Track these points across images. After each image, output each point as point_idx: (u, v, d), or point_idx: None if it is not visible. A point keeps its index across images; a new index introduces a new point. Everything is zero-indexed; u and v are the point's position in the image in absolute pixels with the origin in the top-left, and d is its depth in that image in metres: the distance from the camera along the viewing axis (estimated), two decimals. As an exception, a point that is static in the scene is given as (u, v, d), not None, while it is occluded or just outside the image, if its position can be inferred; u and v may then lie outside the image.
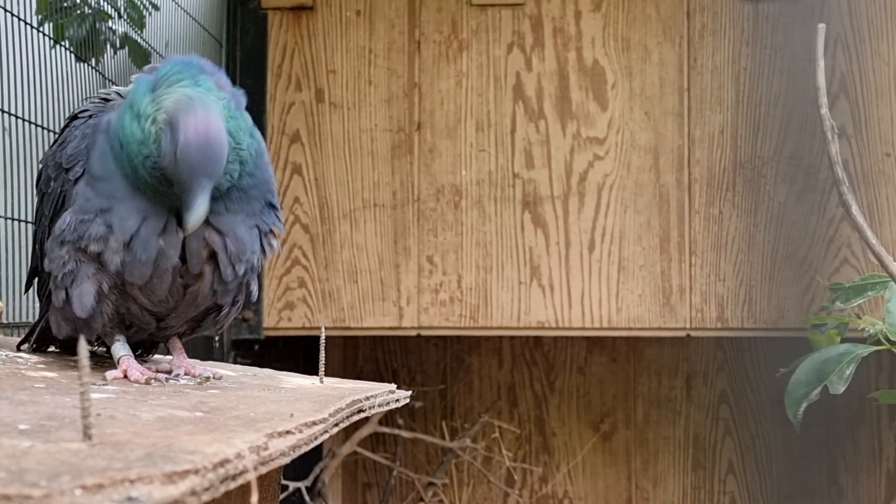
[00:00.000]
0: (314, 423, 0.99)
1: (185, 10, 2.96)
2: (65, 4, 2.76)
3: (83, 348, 0.79)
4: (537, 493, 4.03)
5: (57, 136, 1.57)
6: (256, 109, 3.39)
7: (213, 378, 1.43)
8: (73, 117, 1.53)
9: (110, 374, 1.40)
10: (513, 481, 3.99)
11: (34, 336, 1.63)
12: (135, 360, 1.43)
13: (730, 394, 4.03)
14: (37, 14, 2.60)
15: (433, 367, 4.10)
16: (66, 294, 1.41)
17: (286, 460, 0.87)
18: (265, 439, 0.87)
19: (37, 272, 1.59)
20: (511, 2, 3.34)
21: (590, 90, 3.32)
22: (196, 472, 0.71)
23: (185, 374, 1.45)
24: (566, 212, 3.30)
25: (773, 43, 3.25)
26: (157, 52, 2.82)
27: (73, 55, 2.71)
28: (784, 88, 3.25)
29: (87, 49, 2.76)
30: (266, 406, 1.09)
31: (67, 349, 1.63)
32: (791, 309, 3.22)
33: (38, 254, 1.55)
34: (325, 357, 1.51)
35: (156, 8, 3.02)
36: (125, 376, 1.39)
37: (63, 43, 2.67)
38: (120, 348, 1.45)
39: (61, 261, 1.41)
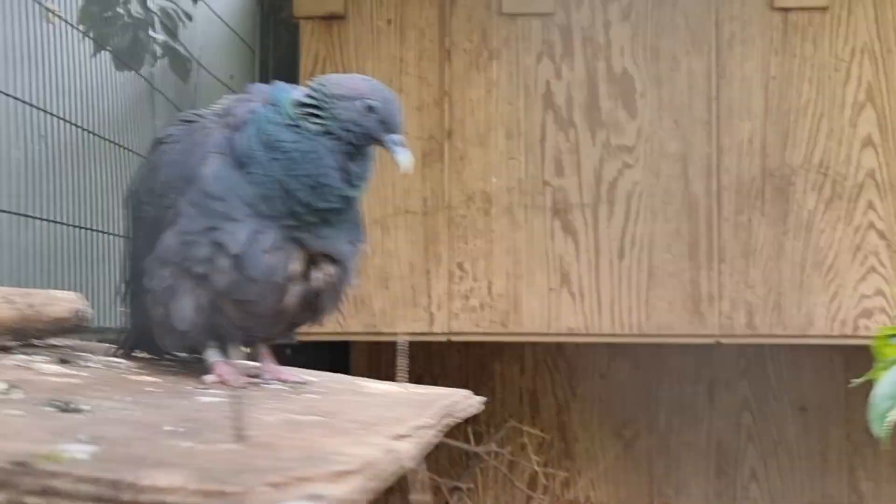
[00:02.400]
0: (425, 427, 1.01)
1: (221, 20, 2.98)
2: (106, 14, 2.78)
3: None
4: (560, 498, 4.05)
5: (144, 160, 1.59)
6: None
7: (301, 383, 1.48)
8: (160, 142, 1.55)
9: (208, 378, 1.44)
10: (536, 486, 4.01)
11: (125, 342, 1.66)
12: (228, 366, 1.46)
13: (752, 400, 4.05)
14: (79, 23, 2.63)
15: (456, 372, 4.12)
16: (166, 309, 1.44)
17: (414, 463, 0.90)
18: (394, 442, 0.89)
19: (128, 285, 1.63)
20: (541, 11, 3.37)
21: (619, 99, 3.35)
22: (356, 472, 0.73)
23: (276, 380, 1.49)
24: (596, 219, 3.33)
25: (802, 52, 3.28)
26: (197, 61, 2.84)
27: (113, 62, 2.73)
28: (813, 97, 3.28)
29: (129, 57, 2.78)
30: (372, 410, 1.12)
31: (156, 353, 1.67)
32: (819, 317, 3.25)
33: (130, 269, 1.59)
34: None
35: (189, 18, 3.05)
36: (221, 381, 1.42)
37: (104, 51, 2.69)
38: (213, 354, 1.49)
39: (163, 280, 1.45)
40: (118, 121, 2.32)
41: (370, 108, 1.46)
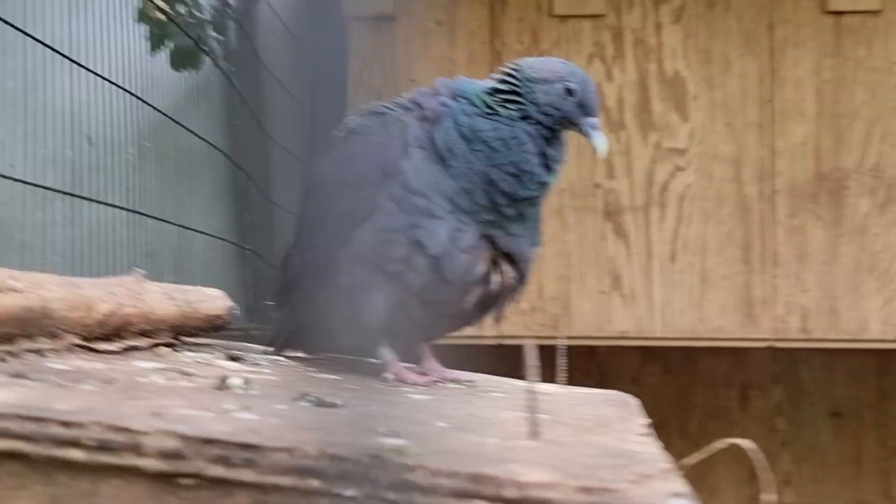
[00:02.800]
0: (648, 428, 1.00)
1: (280, 19, 2.94)
2: (161, 17, 2.72)
3: (531, 352, 0.79)
4: (595, 505, 4.02)
5: (334, 151, 1.53)
6: (338, 118, 3.38)
7: (472, 382, 1.45)
8: (353, 132, 1.51)
9: (385, 375, 1.40)
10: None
11: (280, 339, 1.61)
12: (404, 365, 1.43)
13: (785, 405, 4.04)
14: (137, 22, 2.57)
15: (487, 375, 4.08)
16: (355, 305, 1.41)
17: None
18: (643, 439, 0.87)
19: (293, 279, 1.56)
20: (592, 13, 3.35)
21: (671, 101, 3.33)
22: (672, 469, 0.72)
23: (445, 379, 1.46)
24: (647, 222, 3.31)
25: (855, 55, 3.28)
26: (263, 62, 2.79)
27: (171, 62, 2.67)
28: (866, 100, 3.28)
29: (187, 59, 2.73)
30: (578, 410, 1.10)
31: (310, 351, 1.64)
32: (873, 321, 3.25)
33: (304, 263, 1.53)
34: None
35: (237, 22, 3.00)
36: (399, 379, 1.38)
37: (159, 50, 2.63)
38: (387, 353, 1.45)
39: (355, 276, 1.41)
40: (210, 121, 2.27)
41: (569, 91, 1.44)
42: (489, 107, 1.44)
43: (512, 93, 1.45)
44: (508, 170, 1.40)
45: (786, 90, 3.30)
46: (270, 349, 1.57)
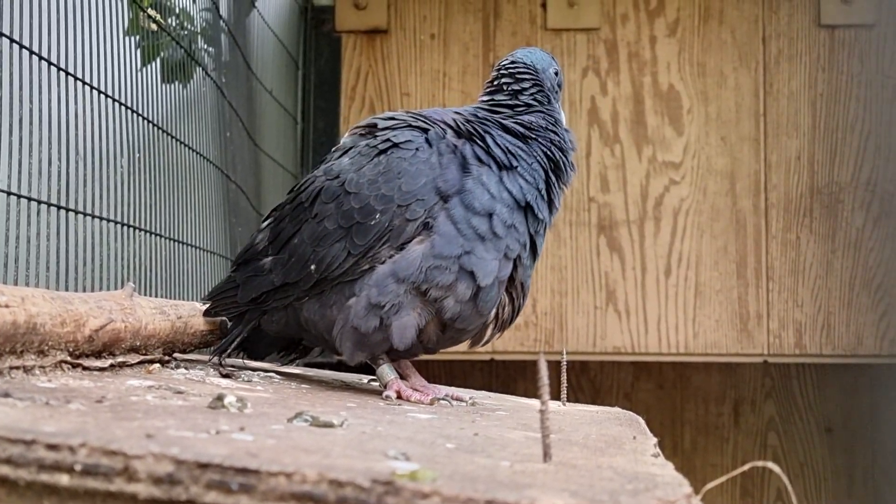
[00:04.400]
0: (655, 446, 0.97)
1: (274, 33, 2.91)
2: (152, 29, 2.69)
3: (543, 371, 0.76)
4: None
5: (371, 162, 1.47)
6: (330, 132, 3.35)
7: (471, 400, 1.43)
8: (396, 146, 1.46)
9: (387, 394, 1.38)
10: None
11: (230, 347, 1.56)
12: (403, 383, 1.41)
13: (778, 421, 4.02)
14: (127, 35, 2.53)
15: (479, 391, 4.05)
16: (385, 324, 1.38)
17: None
18: (656, 460, 0.85)
19: (279, 287, 1.51)
20: (586, 26, 3.34)
21: (665, 115, 3.32)
22: (692, 493, 0.69)
23: (447, 397, 1.44)
24: (642, 236, 3.29)
25: (850, 69, 3.27)
26: (255, 75, 2.77)
27: (161, 74, 2.64)
28: (860, 114, 3.27)
29: (178, 71, 2.70)
30: (583, 429, 1.07)
31: (255, 358, 1.64)
32: (868, 336, 3.23)
33: (299, 269, 1.48)
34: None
35: (228, 34, 2.96)
36: (399, 396, 1.36)
37: (151, 64, 2.60)
38: (389, 371, 1.42)
39: (393, 294, 1.38)
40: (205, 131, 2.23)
41: (556, 73, 1.63)
42: (525, 104, 1.52)
43: (534, 84, 1.54)
44: (562, 147, 1.52)
45: (780, 104, 3.29)
46: (214, 358, 1.49)
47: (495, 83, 1.57)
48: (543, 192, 1.47)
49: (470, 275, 1.38)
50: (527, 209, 1.44)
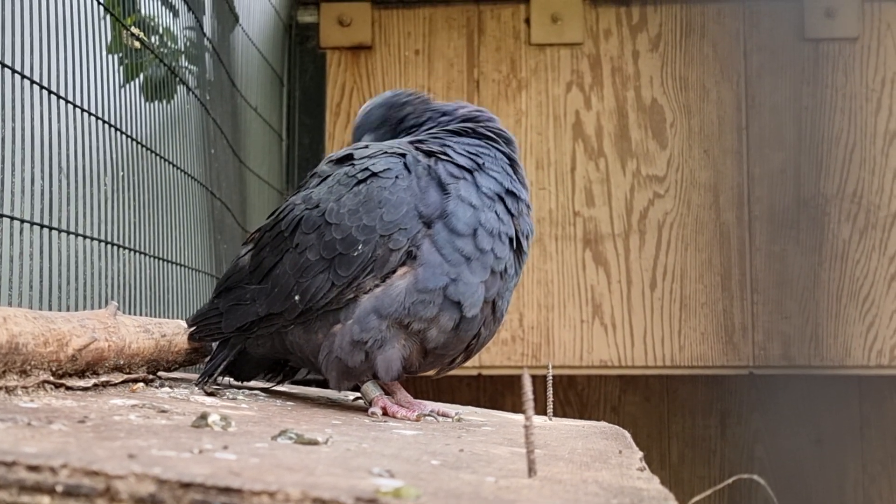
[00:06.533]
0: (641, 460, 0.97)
1: (259, 51, 2.91)
2: (135, 46, 2.69)
3: (527, 386, 0.76)
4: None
5: (351, 191, 1.45)
6: (315, 148, 3.35)
7: (457, 415, 1.43)
8: (374, 175, 1.45)
9: (373, 410, 1.37)
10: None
11: (217, 370, 1.55)
12: (389, 400, 1.40)
13: (765, 433, 4.02)
14: (108, 53, 2.53)
15: (467, 404, 4.04)
16: (370, 358, 1.38)
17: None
18: (642, 474, 0.84)
19: (264, 317, 1.49)
20: (569, 42, 3.35)
21: (649, 129, 3.33)
22: None
23: (434, 413, 1.43)
24: (627, 249, 3.29)
25: (834, 82, 3.29)
26: (239, 92, 2.76)
27: (143, 92, 2.63)
28: (845, 127, 3.28)
29: (161, 89, 2.69)
30: (570, 443, 1.06)
31: (242, 379, 1.63)
32: (856, 347, 3.24)
33: (283, 300, 1.46)
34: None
35: (212, 52, 2.96)
36: (385, 413, 1.35)
37: (133, 82, 2.59)
38: (373, 388, 1.42)
39: (376, 330, 1.38)
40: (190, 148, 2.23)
41: None
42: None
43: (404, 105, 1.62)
44: (491, 120, 1.58)
45: (762, 117, 3.31)
46: (202, 380, 1.49)
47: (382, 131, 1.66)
48: (512, 173, 1.49)
49: (456, 305, 1.38)
50: (507, 196, 1.47)
